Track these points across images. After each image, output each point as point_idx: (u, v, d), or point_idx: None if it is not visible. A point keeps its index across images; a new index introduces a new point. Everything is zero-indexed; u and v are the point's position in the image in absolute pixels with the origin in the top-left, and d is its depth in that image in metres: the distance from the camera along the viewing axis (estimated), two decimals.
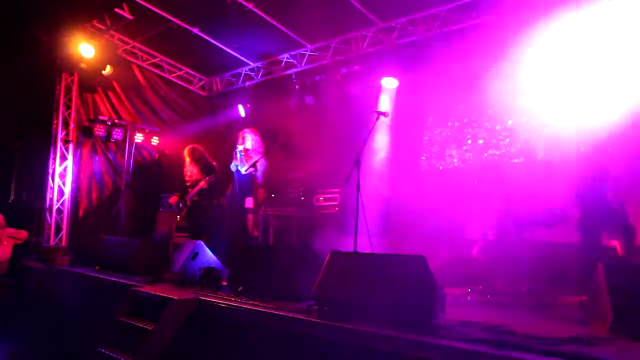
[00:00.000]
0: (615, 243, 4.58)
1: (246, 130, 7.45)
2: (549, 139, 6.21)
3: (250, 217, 7.12)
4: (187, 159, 7.50)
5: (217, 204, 7.66)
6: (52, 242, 8.35)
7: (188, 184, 7.41)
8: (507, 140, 8.36)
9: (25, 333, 6.42)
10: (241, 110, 9.82)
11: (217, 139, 9.99)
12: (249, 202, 7.15)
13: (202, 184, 7.18)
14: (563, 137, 5.21)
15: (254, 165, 6.85)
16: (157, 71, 10.03)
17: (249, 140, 7.19)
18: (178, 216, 7.46)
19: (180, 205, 7.39)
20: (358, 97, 8.51)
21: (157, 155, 9.31)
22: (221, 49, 9.13)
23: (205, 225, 7.34)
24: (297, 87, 9.29)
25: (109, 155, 9.49)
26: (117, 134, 9.33)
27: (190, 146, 7.63)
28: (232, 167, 7.09)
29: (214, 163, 7.54)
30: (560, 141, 5.31)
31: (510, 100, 7.82)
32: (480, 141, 8.68)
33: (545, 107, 7.04)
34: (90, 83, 9.07)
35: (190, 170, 7.44)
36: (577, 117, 5.60)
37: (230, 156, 7.30)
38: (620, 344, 2.76)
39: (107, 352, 4.19)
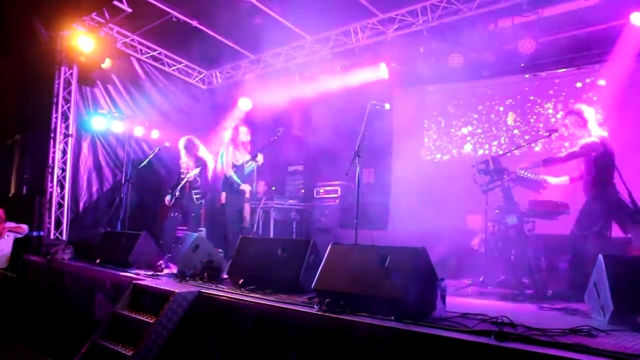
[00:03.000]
0: (629, 235, 4.57)
1: (245, 123, 7.42)
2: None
3: (246, 209, 7.11)
4: (182, 151, 7.46)
5: (212, 197, 7.63)
6: (52, 236, 8.34)
7: (183, 175, 7.35)
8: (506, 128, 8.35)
9: (26, 327, 6.45)
10: (246, 104, 9.78)
11: (216, 132, 9.98)
12: (246, 195, 7.13)
13: (190, 177, 7.13)
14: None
15: (253, 157, 6.84)
16: (156, 64, 9.99)
17: (247, 134, 7.18)
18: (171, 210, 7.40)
19: (170, 198, 7.35)
20: (358, 88, 8.49)
21: (157, 149, 9.29)
22: (221, 41, 9.09)
23: (195, 217, 7.30)
24: (297, 79, 9.26)
25: (109, 149, 9.47)
26: (116, 128, 9.33)
27: (185, 138, 7.53)
28: (231, 159, 7.06)
29: (208, 156, 7.47)
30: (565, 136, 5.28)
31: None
32: (479, 130, 8.67)
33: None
34: (89, 76, 9.04)
35: (186, 162, 7.39)
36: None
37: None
38: (620, 335, 2.76)
39: (108, 345, 4.20)
